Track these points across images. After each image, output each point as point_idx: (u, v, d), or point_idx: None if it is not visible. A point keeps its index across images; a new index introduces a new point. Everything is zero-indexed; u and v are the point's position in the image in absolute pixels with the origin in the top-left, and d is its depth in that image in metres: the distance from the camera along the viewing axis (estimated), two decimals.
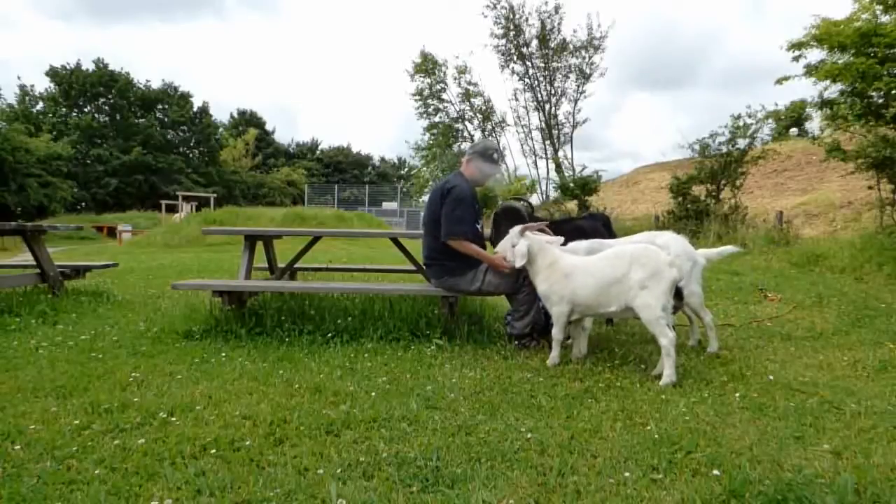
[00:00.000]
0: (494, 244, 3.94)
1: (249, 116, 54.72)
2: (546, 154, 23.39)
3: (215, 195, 31.10)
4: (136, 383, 2.92)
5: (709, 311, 3.84)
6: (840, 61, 8.24)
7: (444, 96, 24.46)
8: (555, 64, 22.38)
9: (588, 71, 22.31)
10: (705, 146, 12.81)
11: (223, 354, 3.50)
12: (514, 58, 22.67)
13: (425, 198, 29.45)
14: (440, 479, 1.90)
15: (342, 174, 54.66)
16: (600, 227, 4.43)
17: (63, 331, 4.13)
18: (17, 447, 2.11)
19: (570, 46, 22.04)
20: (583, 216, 5.44)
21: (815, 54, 8.72)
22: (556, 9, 21.75)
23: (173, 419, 2.41)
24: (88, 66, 40.79)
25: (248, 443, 2.18)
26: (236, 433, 2.27)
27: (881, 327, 4.42)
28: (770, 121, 13.42)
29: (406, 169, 50.52)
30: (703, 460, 2.05)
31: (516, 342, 3.79)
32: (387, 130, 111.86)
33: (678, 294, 3.59)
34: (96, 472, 1.93)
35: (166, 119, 43.87)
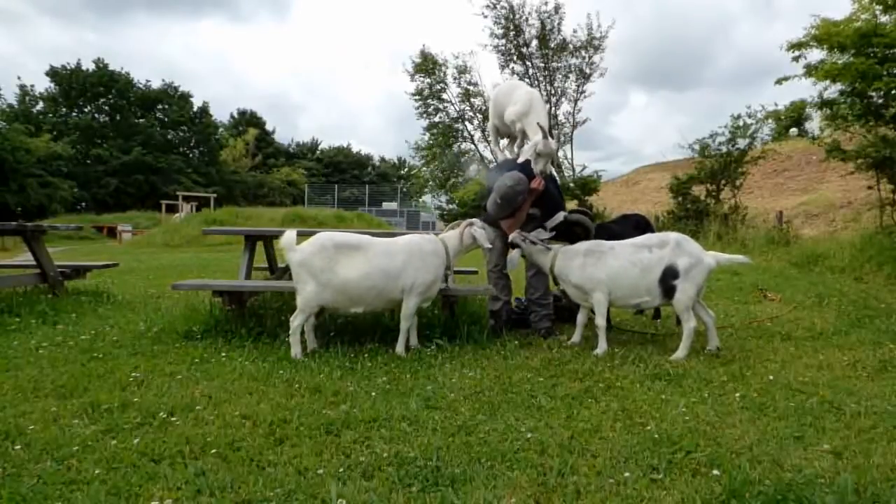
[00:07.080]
0: None
1: (249, 116, 54.62)
2: None
3: (215, 195, 31.02)
4: (136, 383, 2.92)
5: (693, 318, 3.63)
6: (840, 61, 8.24)
7: (444, 96, 24.32)
8: (555, 64, 22.29)
9: (588, 71, 22.22)
10: (705, 146, 12.84)
11: (223, 354, 3.50)
12: (514, 58, 22.58)
13: (426, 198, 29.40)
14: (440, 479, 1.89)
15: (342, 174, 54.57)
16: (629, 229, 4.42)
17: (63, 331, 4.13)
18: (17, 447, 2.11)
19: (570, 46, 21.97)
20: (617, 218, 5.40)
21: (815, 54, 8.75)
22: (556, 9, 21.67)
23: (173, 419, 2.41)
24: (88, 66, 40.82)
25: (247, 443, 2.18)
26: (236, 433, 2.27)
27: (881, 327, 4.42)
28: (770, 121, 13.44)
29: (406, 169, 50.40)
30: (703, 460, 2.05)
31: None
32: (387, 130, 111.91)
33: (670, 292, 3.63)
34: (96, 472, 1.93)
35: (166, 119, 43.84)
